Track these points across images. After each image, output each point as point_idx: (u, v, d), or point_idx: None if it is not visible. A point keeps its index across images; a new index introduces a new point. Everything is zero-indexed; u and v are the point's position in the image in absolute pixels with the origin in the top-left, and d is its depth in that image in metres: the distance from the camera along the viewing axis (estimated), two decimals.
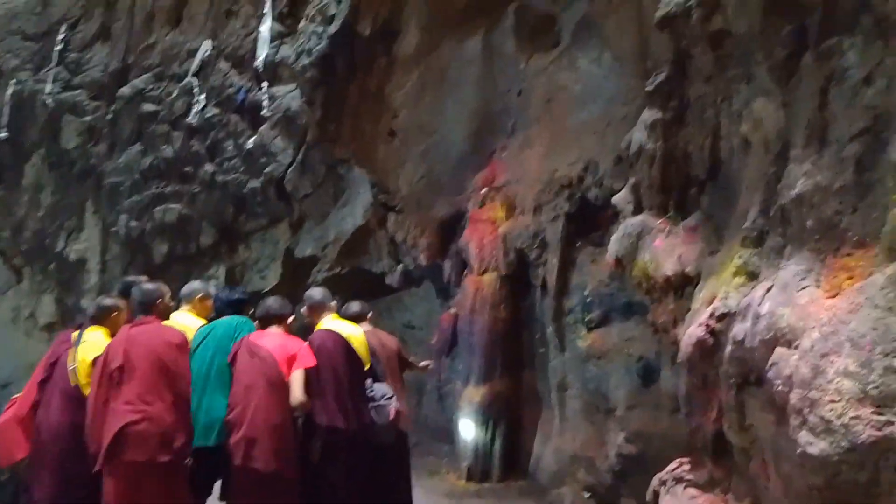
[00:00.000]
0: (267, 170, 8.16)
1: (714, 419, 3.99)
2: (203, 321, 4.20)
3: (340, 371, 3.96)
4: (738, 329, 3.61)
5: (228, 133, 8.31)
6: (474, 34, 6.26)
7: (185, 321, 4.08)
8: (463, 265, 6.68)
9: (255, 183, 8.24)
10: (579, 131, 5.96)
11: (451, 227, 6.72)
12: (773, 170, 3.73)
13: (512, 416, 6.30)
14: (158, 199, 8.35)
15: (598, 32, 5.74)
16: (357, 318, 4.64)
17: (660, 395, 5.19)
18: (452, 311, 6.90)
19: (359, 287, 9.05)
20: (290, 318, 4.08)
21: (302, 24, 6.29)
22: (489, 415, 6.12)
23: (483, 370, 6.12)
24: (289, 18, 8.59)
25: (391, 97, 6.30)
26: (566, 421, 6.11)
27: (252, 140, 8.16)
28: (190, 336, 3.89)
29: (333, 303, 4.53)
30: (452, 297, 7.21)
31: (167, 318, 3.91)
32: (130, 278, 4.55)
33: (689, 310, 4.45)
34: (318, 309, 4.39)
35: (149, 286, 3.90)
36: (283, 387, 3.65)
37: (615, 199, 4.97)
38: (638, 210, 4.86)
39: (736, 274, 3.82)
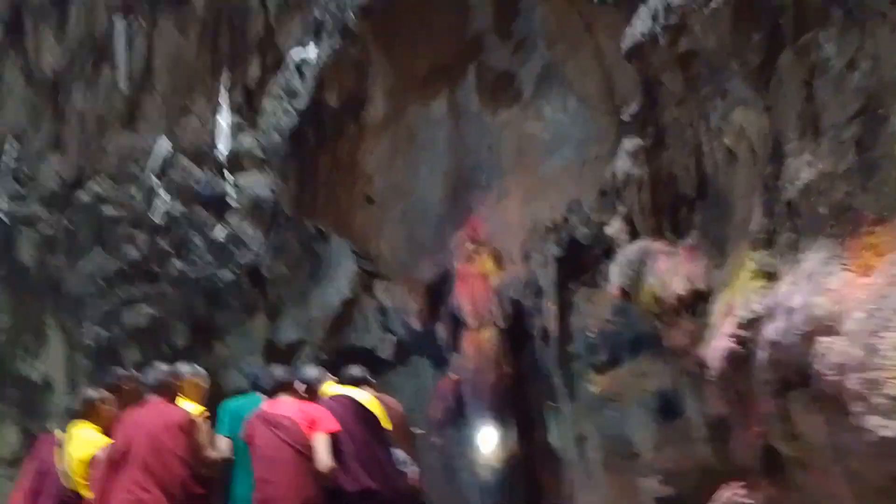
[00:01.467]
0: (239, 259, 7.98)
1: (759, 433, 3.85)
2: (199, 407, 3.96)
3: (358, 436, 3.73)
4: (771, 330, 3.56)
5: (195, 227, 8.16)
6: (439, 95, 6.40)
7: (184, 406, 3.84)
8: (457, 325, 6.52)
9: (227, 274, 8.04)
10: (554, 176, 6.04)
11: (438, 289, 6.60)
12: (770, 170, 3.80)
13: (532, 479, 6.01)
14: (126, 304, 8.04)
15: (559, 80, 5.93)
16: (359, 383, 4.44)
17: (687, 426, 5.01)
18: (453, 377, 6.68)
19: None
20: (300, 386, 3.88)
21: (266, 102, 6.34)
22: (511, 480, 5.82)
23: (499, 433, 5.86)
24: (246, 109, 8.70)
25: (364, 163, 6.32)
26: (589, 476, 5.85)
27: (221, 231, 8.02)
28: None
29: (331, 377, 4.38)
30: (448, 363, 7.01)
31: (174, 400, 3.67)
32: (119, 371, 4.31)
33: (706, 327, 4.41)
34: (316, 384, 4.20)
35: (162, 367, 3.70)
36: (310, 454, 3.41)
37: (608, 229, 4.99)
38: (633, 237, 4.87)
39: (753, 278, 3.81)
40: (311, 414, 3.53)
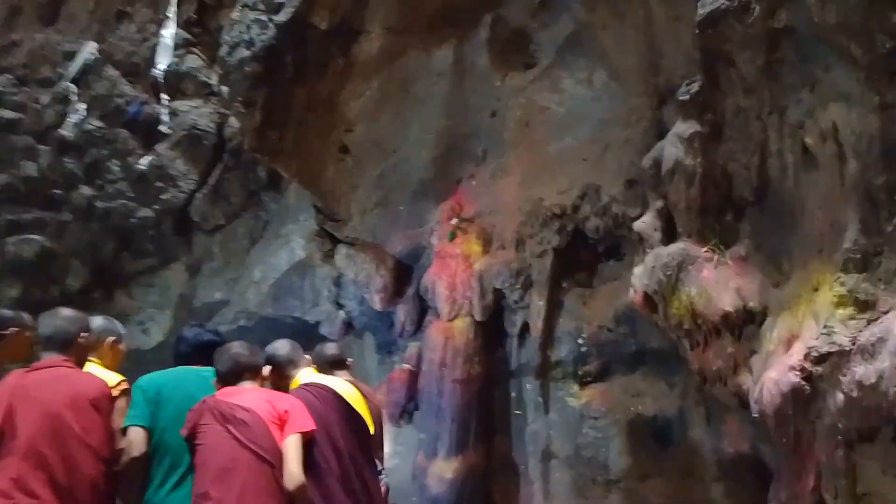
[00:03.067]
0: (163, 196, 6.69)
1: (812, 487, 3.23)
2: (116, 375, 2.85)
3: (341, 443, 2.78)
4: (863, 370, 2.93)
5: (115, 151, 6.77)
6: (444, 44, 5.48)
7: (96, 372, 2.74)
8: (422, 311, 5.62)
9: (145, 212, 6.72)
10: (565, 157, 5.28)
11: (408, 266, 5.67)
12: (882, 180, 3.17)
13: (486, 495, 5.20)
14: (13, 229, 6.52)
15: (589, 48, 5.16)
16: (337, 365, 3.48)
17: (688, 459, 4.38)
18: (405, 367, 5.76)
19: (268, 340, 7.61)
20: (266, 371, 2.86)
21: (237, 12, 5.15)
22: (462, 494, 4.97)
23: (455, 438, 5.03)
24: (197, 27, 7.38)
25: (345, 107, 5.29)
26: (552, 498, 5.11)
27: (146, 160, 6.69)
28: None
29: (307, 357, 3.36)
30: (399, 351, 6.08)
31: (84, 363, 2.56)
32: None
33: (751, 353, 3.77)
34: (286, 367, 3.15)
35: (68, 312, 2.57)
36: (278, 460, 2.42)
37: (637, 225, 4.25)
38: (669, 237, 4.17)
39: (840, 305, 3.16)
40: (279, 406, 2.53)
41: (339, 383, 3.13)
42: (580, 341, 5.03)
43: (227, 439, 2.39)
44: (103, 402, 2.39)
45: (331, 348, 3.55)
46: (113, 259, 6.87)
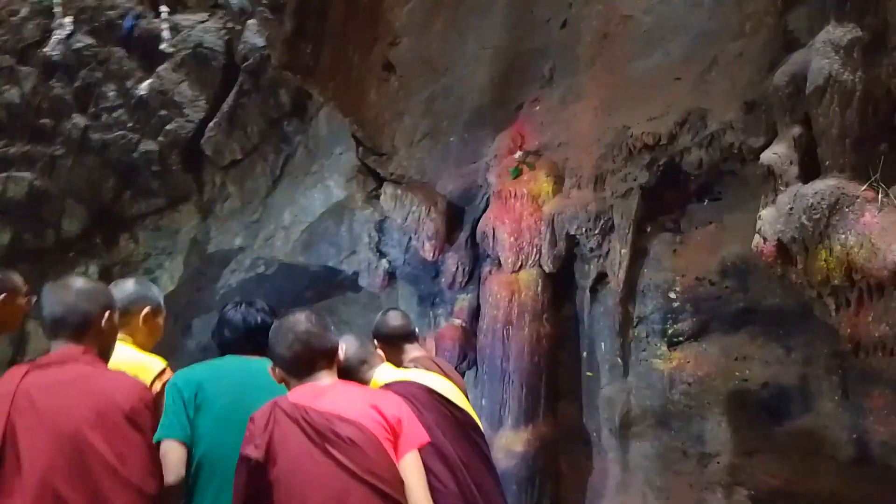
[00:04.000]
0: (169, 127, 5.81)
1: None
2: (157, 358, 2.15)
3: (451, 451, 2.07)
4: None
5: (109, 74, 5.84)
6: None
7: (129, 358, 1.99)
8: (475, 259, 4.85)
9: (149, 145, 5.86)
10: (654, 78, 4.42)
11: (458, 209, 4.86)
12: None
13: (556, 468, 4.58)
14: None
15: None
16: (406, 339, 2.76)
17: (810, 435, 3.71)
18: (457, 323, 5.05)
19: (287, 289, 6.92)
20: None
21: None
22: (535, 469, 4.34)
23: (525, 406, 4.39)
24: None
25: (390, 15, 4.38)
26: (631, 472, 4.49)
27: (146, 84, 5.78)
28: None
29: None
30: (444, 304, 5.36)
31: (110, 353, 1.81)
32: None
33: None
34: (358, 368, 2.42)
35: (83, 284, 1.80)
36: (401, 493, 1.69)
37: (766, 157, 3.45)
38: (808, 173, 3.37)
39: None
40: (392, 414, 1.79)
41: (429, 378, 2.40)
42: (672, 295, 4.30)
43: (329, 466, 1.66)
44: (143, 416, 1.67)
45: (395, 318, 2.82)
46: (113, 199, 6.05)
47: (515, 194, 4.48)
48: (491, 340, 4.52)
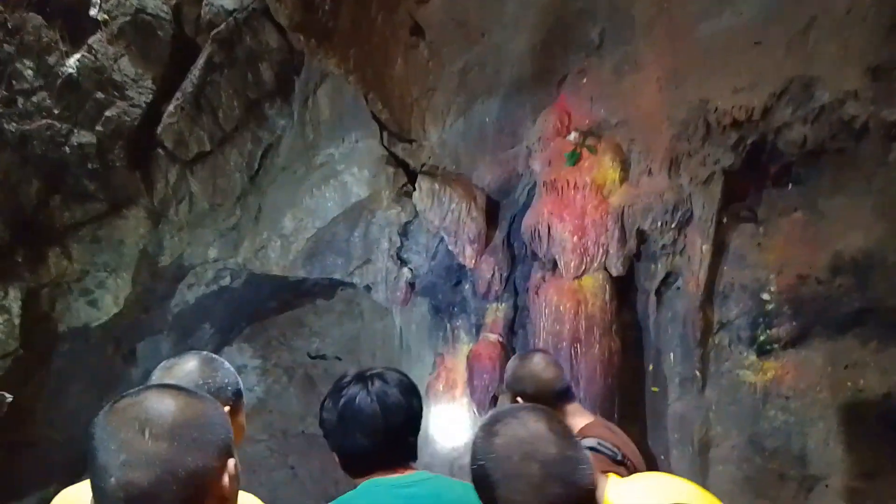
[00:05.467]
0: (109, 113, 4.68)
1: None
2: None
3: None
4: None
5: (25, 47, 4.61)
6: None
7: None
8: (512, 263, 4.10)
9: (83, 136, 4.71)
10: (728, 42, 3.79)
11: (495, 205, 4.07)
12: None
13: None
14: None
15: None
16: (565, 398, 2.01)
17: None
18: (493, 338, 4.28)
19: (247, 301, 5.94)
20: None
21: None
22: None
23: None
24: None
25: None
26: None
27: (74, 60, 4.62)
28: None
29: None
30: (465, 315, 4.59)
31: None
32: None
33: None
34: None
35: (173, 407, 0.89)
36: None
37: None
38: None
39: None
40: None
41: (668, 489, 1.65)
42: (765, 297, 3.71)
43: None
44: None
45: (545, 366, 2.10)
46: (38, 206, 4.82)
47: (576, 184, 3.73)
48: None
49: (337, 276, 4.44)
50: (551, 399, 2.01)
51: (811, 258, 3.58)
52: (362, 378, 1.54)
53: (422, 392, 5.16)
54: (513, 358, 2.20)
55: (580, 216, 3.72)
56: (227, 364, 1.52)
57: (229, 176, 4.52)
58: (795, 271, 3.63)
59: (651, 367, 4.16)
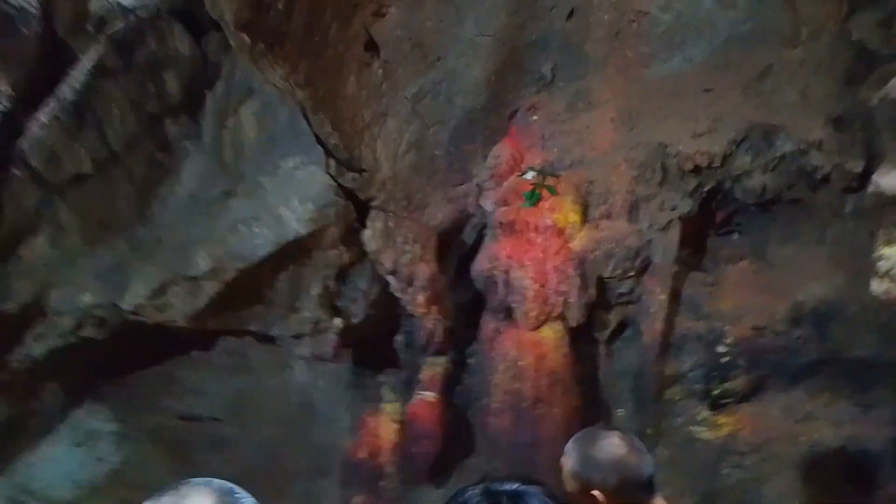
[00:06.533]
0: None
1: None
2: None
3: None
4: None
5: None
6: None
7: None
8: (469, 312, 3.72)
9: None
10: (679, 86, 3.78)
11: (442, 246, 3.67)
12: None
13: None
14: None
15: None
16: (651, 489, 1.63)
17: None
18: (430, 397, 3.84)
19: (110, 354, 5.07)
20: None
21: None
22: None
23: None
24: None
25: None
26: None
27: None
28: None
29: None
30: (391, 371, 4.12)
31: None
32: None
33: None
34: None
35: None
36: None
37: (888, 183, 2.88)
38: None
39: None
40: None
41: None
42: (721, 349, 3.61)
43: None
44: None
45: (629, 450, 1.68)
46: None
47: (536, 226, 3.44)
48: (511, 425, 3.39)
49: (253, 327, 3.76)
50: (639, 492, 1.63)
51: (768, 308, 3.54)
52: (494, 501, 1.06)
53: (336, 463, 4.50)
54: (577, 437, 1.79)
55: (542, 261, 3.42)
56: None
57: (114, 204, 3.71)
58: (752, 321, 3.58)
59: (600, 423, 3.92)
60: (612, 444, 1.69)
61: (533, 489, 1.10)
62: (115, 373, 6.16)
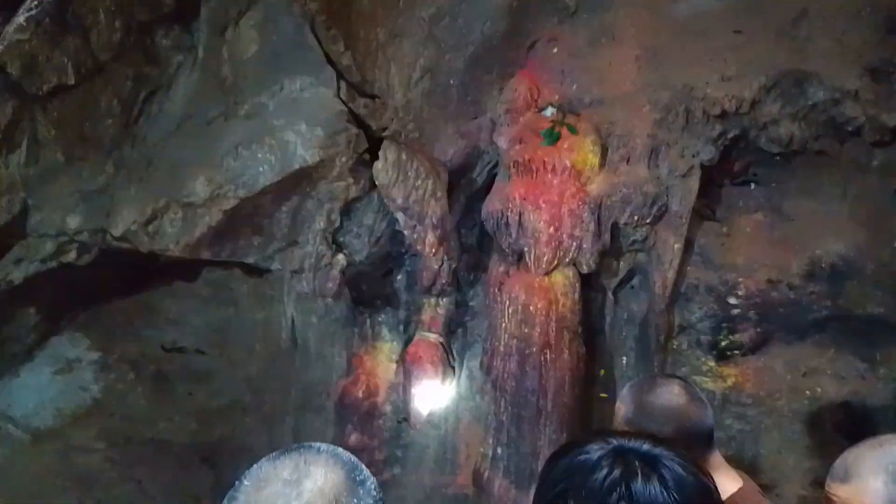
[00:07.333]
0: None
1: None
2: None
3: None
4: None
5: None
6: None
7: None
8: (477, 253, 3.58)
9: None
10: (706, 26, 3.55)
11: (451, 183, 3.48)
12: None
13: None
14: None
15: None
16: (712, 442, 1.51)
17: None
18: (433, 338, 3.74)
19: (87, 281, 4.88)
20: None
21: None
22: None
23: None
24: None
25: None
26: None
27: None
28: None
29: None
30: (388, 310, 4.00)
31: None
32: None
33: None
34: None
35: None
36: None
37: None
38: None
39: None
40: None
41: None
42: (732, 300, 3.53)
43: None
44: None
45: (687, 397, 1.57)
46: None
47: (553, 167, 3.25)
48: (518, 369, 3.29)
49: (250, 259, 3.55)
50: (696, 444, 1.51)
51: (783, 262, 3.46)
52: (626, 463, 0.92)
53: (333, 398, 4.40)
54: (634, 383, 1.67)
55: (557, 204, 3.26)
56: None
57: (98, 120, 3.42)
58: (766, 275, 3.50)
59: (602, 372, 3.86)
60: (671, 393, 1.57)
61: (668, 452, 0.96)
62: (95, 301, 5.94)
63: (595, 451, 0.96)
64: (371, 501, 0.78)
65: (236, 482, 0.79)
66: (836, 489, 1.28)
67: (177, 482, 6.00)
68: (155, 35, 3.31)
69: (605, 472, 0.93)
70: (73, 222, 3.43)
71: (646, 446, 0.97)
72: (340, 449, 0.84)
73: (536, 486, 1.01)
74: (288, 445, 0.84)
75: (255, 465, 0.80)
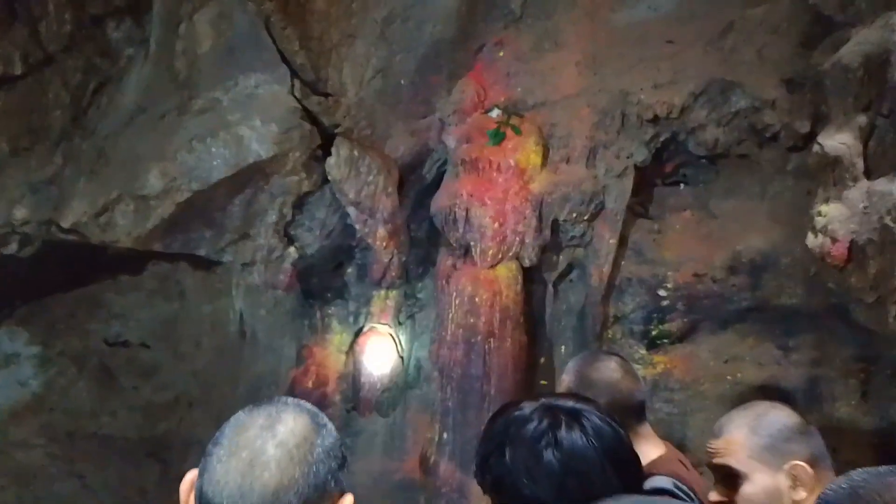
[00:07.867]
0: None
1: None
2: None
3: None
4: None
5: None
6: None
7: None
8: (410, 247, 3.73)
9: None
10: (643, 35, 3.79)
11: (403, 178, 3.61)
12: None
13: None
14: None
15: None
16: (643, 414, 1.77)
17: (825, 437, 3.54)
18: (384, 329, 3.87)
19: (30, 274, 4.86)
20: None
21: None
22: None
23: None
24: None
25: None
26: None
27: None
28: None
29: None
30: (339, 302, 4.11)
31: None
32: None
33: None
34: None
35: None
36: None
37: (832, 146, 3.08)
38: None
39: None
40: None
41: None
42: (661, 293, 3.78)
43: None
44: None
45: (622, 373, 1.75)
46: None
47: (499, 166, 3.42)
48: (464, 356, 3.45)
49: (202, 252, 3.57)
50: (627, 415, 1.68)
51: (708, 257, 3.72)
52: (553, 415, 1.07)
53: (283, 389, 4.46)
54: (577, 358, 1.83)
55: (501, 201, 3.43)
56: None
57: (46, 111, 3.38)
58: (693, 269, 3.76)
59: (543, 360, 4.05)
60: (609, 368, 1.74)
61: (589, 407, 1.12)
62: (36, 294, 5.81)
63: (527, 407, 1.12)
64: (332, 439, 0.94)
65: (216, 433, 0.91)
66: (713, 443, 1.55)
67: (122, 477, 5.93)
68: (106, 27, 3.32)
69: (535, 423, 1.08)
70: (19, 213, 3.40)
71: (570, 402, 1.13)
72: (304, 401, 0.98)
73: (479, 441, 1.16)
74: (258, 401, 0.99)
75: (232, 417, 0.93)
